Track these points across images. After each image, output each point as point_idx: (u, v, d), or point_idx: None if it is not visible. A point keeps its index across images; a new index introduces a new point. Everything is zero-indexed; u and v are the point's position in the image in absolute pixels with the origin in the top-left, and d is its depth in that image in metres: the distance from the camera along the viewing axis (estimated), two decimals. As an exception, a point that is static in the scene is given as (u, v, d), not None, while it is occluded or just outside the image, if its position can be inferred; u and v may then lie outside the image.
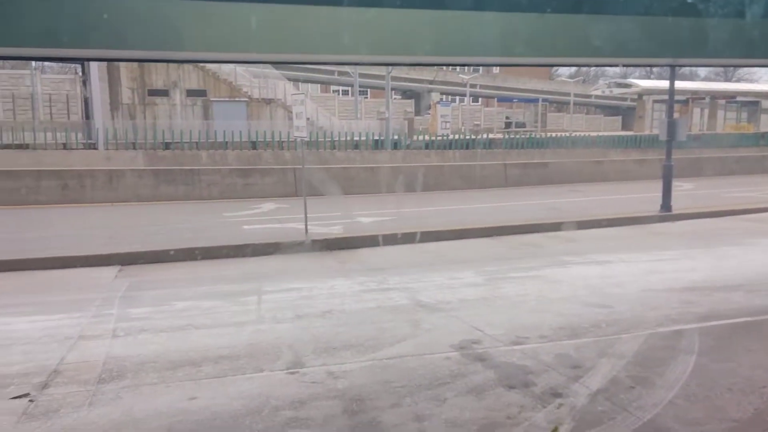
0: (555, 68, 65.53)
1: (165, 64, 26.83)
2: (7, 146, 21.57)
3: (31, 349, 6.19)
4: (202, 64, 27.49)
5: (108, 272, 9.75)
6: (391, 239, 12.00)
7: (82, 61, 19.49)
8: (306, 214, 12.21)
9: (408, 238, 12.06)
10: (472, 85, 44.64)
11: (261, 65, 29.98)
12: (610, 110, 52.77)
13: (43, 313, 7.51)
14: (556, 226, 13.48)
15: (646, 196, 17.07)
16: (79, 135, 23.60)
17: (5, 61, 33.49)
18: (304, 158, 13.27)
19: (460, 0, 1.49)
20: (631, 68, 63.60)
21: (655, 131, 27.04)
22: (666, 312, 7.29)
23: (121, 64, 25.99)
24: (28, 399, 5.00)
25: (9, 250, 10.72)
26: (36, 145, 21.51)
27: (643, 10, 1.74)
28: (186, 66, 27.26)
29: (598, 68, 68.63)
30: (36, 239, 11.79)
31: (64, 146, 21.96)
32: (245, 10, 1.33)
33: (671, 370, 5.47)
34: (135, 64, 26.25)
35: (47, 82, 30.64)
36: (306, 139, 14.01)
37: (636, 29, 1.87)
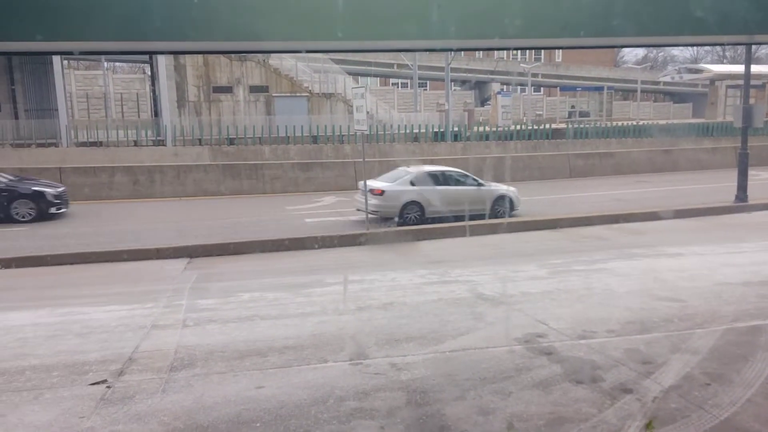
0: (621, 55, 63.38)
1: (229, 61, 27.46)
2: (83, 144, 22.64)
3: (108, 337, 6.48)
4: (263, 60, 27.99)
5: (177, 264, 10.10)
6: (451, 232, 11.93)
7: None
8: (367, 207, 12.28)
9: (474, 230, 11.94)
10: (534, 75, 43.72)
11: (321, 60, 30.28)
12: (680, 97, 50.64)
13: (119, 303, 7.84)
14: (625, 217, 13.06)
15: (719, 185, 16.34)
16: (149, 132, 24.50)
17: (79, 62, 35.06)
18: (365, 151, 13.33)
19: None
20: (702, 53, 60.77)
21: (729, 118, 25.81)
22: (743, 307, 6.95)
23: (188, 62, 26.77)
24: (106, 385, 5.23)
25: (88, 243, 11.25)
26: (109, 143, 22.49)
27: None
28: (249, 63, 27.84)
29: (667, 53, 65.96)
30: (111, 233, 12.33)
31: (135, 143, 22.88)
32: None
33: (749, 367, 5.21)
34: (200, 62, 26.98)
35: (118, 82, 31.93)
36: (366, 133, 14.03)
37: (709, 3, 1.75)
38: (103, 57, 24.15)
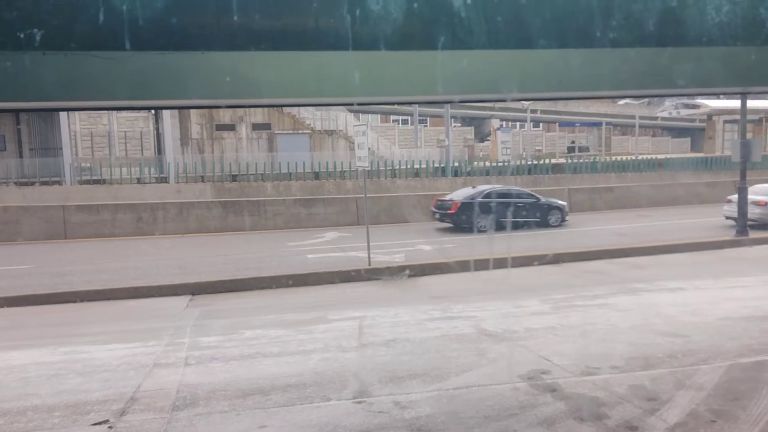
0: (618, 90, 64.12)
1: (231, 99, 27.90)
2: (86, 181, 22.83)
3: (110, 376, 6.46)
4: (266, 99, 28.42)
5: (179, 302, 10.10)
6: (458, 267, 11.95)
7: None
8: (369, 242, 12.33)
9: (476, 266, 11.94)
10: (533, 111, 44.22)
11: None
12: (678, 132, 51.08)
13: (121, 341, 7.82)
14: (624, 252, 13.09)
15: (719, 219, 16.39)
16: (152, 169, 24.72)
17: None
18: (366, 187, 13.45)
19: (545, 40, 1.53)
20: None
21: (727, 152, 26.02)
22: (746, 342, 6.93)
23: (191, 101, 27.16)
24: (108, 426, 5.21)
25: (91, 281, 11.27)
26: (112, 180, 22.68)
27: (725, 42, 1.73)
28: (251, 101, 28.31)
29: (664, 89, 66.85)
30: (115, 270, 12.36)
31: (138, 180, 23.06)
32: (345, 57, 1.41)
33: (755, 403, 5.19)
34: (203, 101, 27.42)
35: (122, 121, 32.32)
36: (368, 169, 14.22)
37: (712, 61, 1.85)
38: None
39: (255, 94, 1.60)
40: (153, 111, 30.58)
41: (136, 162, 25.43)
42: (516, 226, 16.57)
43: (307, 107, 30.64)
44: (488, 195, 16.82)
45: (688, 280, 10.53)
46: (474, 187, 17.85)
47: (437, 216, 17.33)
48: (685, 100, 37.78)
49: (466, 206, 16.39)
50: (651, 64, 1.67)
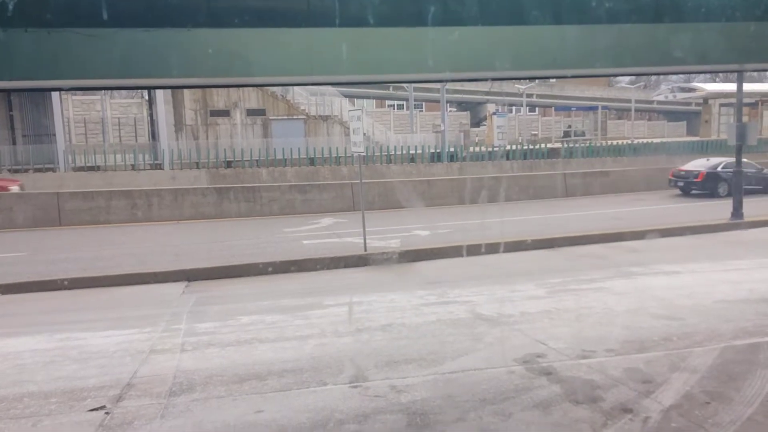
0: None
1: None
2: (80, 168, 22.72)
3: (107, 363, 6.46)
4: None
5: (175, 288, 10.08)
6: (453, 252, 11.95)
7: (157, 88, 20.51)
8: (364, 228, 12.31)
9: (471, 251, 11.96)
10: (529, 95, 44.11)
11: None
12: (674, 115, 51.09)
13: (117, 328, 7.82)
14: (619, 236, 13.12)
15: (715, 203, 16.42)
16: (146, 156, 24.61)
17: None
18: (362, 173, 13.40)
19: (539, 15, 1.49)
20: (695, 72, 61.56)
21: (723, 136, 26.04)
22: (741, 324, 6.97)
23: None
24: (105, 411, 5.21)
25: (86, 268, 11.24)
26: (107, 167, 22.57)
27: (723, 17, 1.69)
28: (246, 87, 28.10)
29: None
30: (110, 257, 12.33)
31: (133, 167, 22.97)
32: (333, 34, 1.38)
33: (749, 385, 5.22)
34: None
35: (116, 107, 32.14)
36: (363, 154, 14.18)
37: (710, 36, 1.82)
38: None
39: (243, 72, 1.56)
40: (146, 96, 30.39)
41: (131, 148, 25.31)
42: (746, 193, 17.65)
43: (302, 92, 30.49)
44: (725, 166, 19.47)
45: (684, 263, 10.56)
46: (708, 159, 20.90)
47: (680, 184, 20.39)
48: (681, 84, 37.73)
49: (711, 176, 19.73)
50: (648, 39, 1.64)
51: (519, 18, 1.53)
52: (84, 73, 1.48)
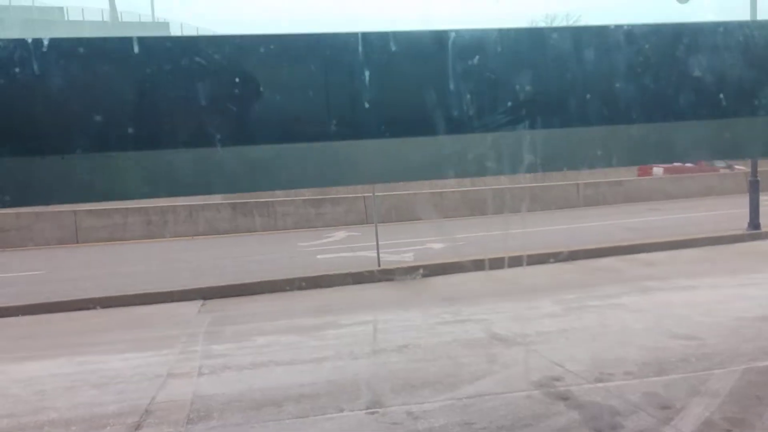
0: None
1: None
2: (96, 184, 22.96)
3: (125, 388, 6.51)
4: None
5: (191, 307, 10.15)
6: (467, 266, 11.93)
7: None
8: (378, 243, 12.33)
9: (490, 264, 11.91)
10: (540, 103, 44.00)
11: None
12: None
13: (135, 350, 7.88)
14: (634, 248, 13.03)
15: (731, 212, 16.26)
16: (161, 171, 24.83)
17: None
18: (375, 186, 13.43)
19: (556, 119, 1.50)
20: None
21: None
22: (762, 344, 6.88)
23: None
24: (124, 439, 5.25)
25: (103, 287, 11.34)
26: (122, 183, 22.74)
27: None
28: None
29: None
30: (127, 274, 12.44)
31: (148, 182, 23.16)
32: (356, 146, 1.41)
33: (771, 410, 5.16)
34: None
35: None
36: (376, 169, 14.20)
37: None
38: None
39: (268, 185, 1.59)
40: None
41: (145, 163, 25.51)
42: None
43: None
44: None
45: (701, 277, 10.46)
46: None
47: None
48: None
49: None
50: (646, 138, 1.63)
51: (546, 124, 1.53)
52: (125, 194, 1.49)
